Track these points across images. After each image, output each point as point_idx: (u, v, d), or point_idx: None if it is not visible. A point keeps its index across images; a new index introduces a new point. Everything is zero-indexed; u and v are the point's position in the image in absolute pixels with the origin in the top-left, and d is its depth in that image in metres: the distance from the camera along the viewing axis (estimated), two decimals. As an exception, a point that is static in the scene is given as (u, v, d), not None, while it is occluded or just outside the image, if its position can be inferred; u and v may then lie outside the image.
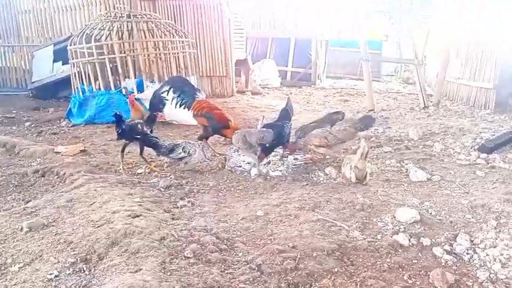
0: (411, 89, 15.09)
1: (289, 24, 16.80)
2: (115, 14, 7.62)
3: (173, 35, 7.83)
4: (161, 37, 7.71)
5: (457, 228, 3.25)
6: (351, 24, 20.37)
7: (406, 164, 5.02)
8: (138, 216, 3.16)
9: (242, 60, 12.29)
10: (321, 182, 4.43)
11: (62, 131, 6.97)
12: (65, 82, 10.00)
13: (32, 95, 10.49)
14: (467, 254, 2.89)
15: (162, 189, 4.17)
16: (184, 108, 5.36)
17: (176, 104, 5.38)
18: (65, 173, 4.53)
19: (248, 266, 2.60)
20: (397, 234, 3.07)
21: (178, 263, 2.58)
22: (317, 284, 2.49)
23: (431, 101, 9.84)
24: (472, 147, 5.88)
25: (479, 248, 2.95)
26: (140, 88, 7.62)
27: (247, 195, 4.09)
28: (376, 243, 2.95)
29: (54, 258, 2.66)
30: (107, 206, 3.43)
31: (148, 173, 4.79)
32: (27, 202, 3.86)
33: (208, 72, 10.70)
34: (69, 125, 7.42)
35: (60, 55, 10.17)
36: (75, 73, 7.70)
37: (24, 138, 6.35)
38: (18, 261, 2.67)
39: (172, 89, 5.42)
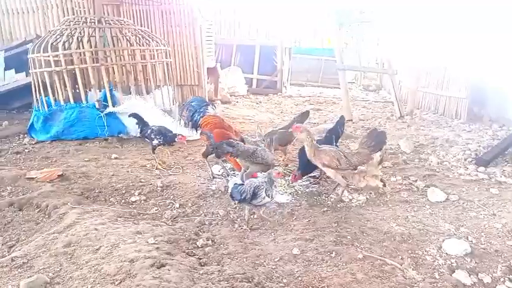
0: (375, 96, 15.38)
1: (253, 31, 16.53)
2: (84, 19, 6.87)
3: (149, 43, 7.22)
4: (140, 45, 7.07)
5: (505, 259, 3.07)
6: (311, 32, 20.62)
7: (415, 182, 4.87)
8: (163, 265, 2.66)
9: (212, 68, 11.81)
10: (339, 206, 4.13)
11: (27, 150, 6.12)
12: (17, 92, 9.11)
13: (-20, 106, 9.34)
14: (531, 289, 2.71)
15: (169, 223, 3.67)
16: (194, 127, 5.07)
17: (188, 125, 5.13)
18: (47, 205, 3.89)
19: (318, 326, 2.22)
20: (454, 271, 2.83)
21: (236, 330, 2.14)
22: None
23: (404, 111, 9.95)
24: (465, 160, 5.91)
25: (539, 281, 2.78)
26: (113, 100, 6.95)
27: (267, 226, 3.68)
28: (439, 285, 2.68)
29: (76, 333, 2.12)
30: (118, 251, 2.89)
31: (145, 200, 4.26)
32: (11, 247, 3.22)
33: (179, 81, 10.05)
34: (33, 143, 6.56)
35: (12, 62, 9.21)
36: (37, 84, 6.85)
37: (-17, 160, 5.50)
38: None
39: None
